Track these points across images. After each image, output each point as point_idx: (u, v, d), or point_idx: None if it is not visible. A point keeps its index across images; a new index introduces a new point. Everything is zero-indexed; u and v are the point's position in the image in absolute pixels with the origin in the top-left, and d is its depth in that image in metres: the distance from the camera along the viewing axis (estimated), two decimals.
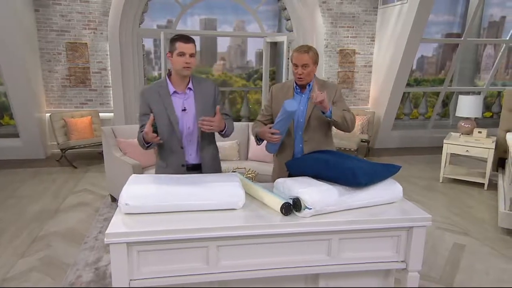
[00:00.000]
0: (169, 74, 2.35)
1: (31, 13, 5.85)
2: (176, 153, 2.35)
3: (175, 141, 2.33)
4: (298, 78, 2.36)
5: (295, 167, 2.24)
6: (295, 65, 2.33)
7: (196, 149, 2.40)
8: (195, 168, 2.41)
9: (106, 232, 1.71)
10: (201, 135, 2.36)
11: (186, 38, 2.22)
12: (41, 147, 6.09)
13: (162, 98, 2.29)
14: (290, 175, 2.29)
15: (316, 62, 2.36)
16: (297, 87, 2.45)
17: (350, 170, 1.94)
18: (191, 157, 2.41)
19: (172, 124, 2.29)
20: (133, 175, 2.13)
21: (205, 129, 2.20)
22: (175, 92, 2.31)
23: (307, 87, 2.44)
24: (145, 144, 2.26)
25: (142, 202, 1.85)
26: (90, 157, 6.27)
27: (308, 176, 2.12)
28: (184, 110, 2.32)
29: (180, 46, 2.18)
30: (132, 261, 1.76)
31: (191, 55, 2.22)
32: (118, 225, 1.78)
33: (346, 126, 2.35)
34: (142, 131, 2.25)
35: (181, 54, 2.18)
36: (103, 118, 6.39)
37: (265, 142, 2.45)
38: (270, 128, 2.31)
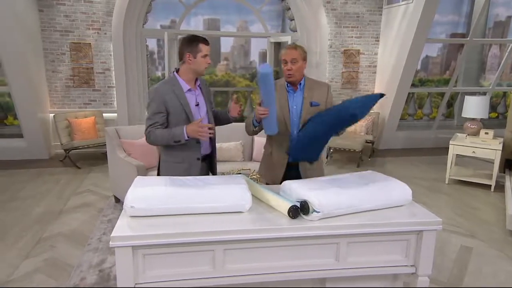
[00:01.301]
0: (177, 72, 2.45)
1: (35, 13, 5.85)
2: (192, 148, 2.44)
3: None
4: (288, 74, 2.40)
5: (296, 151, 2.38)
6: (285, 62, 2.39)
7: (208, 141, 2.54)
8: (206, 159, 2.59)
9: (112, 235, 1.68)
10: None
11: (206, 40, 2.37)
12: (45, 148, 6.09)
13: (177, 96, 2.37)
14: (286, 172, 2.49)
15: (304, 59, 2.42)
16: (288, 85, 2.48)
17: (344, 111, 2.09)
18: (204, 149, 2.54)
19: (189, 120, 2.39)
20: (138, 177, 2.10)
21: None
22: (189, 89, 2.43)
23: (298, 86, 2.48)
24: (183, 139, 2.30)
25: (147, 204, 1.82)
26: (94, 157, 6.26)
27: (311, 141, 2.25)
28: (197, 105, 2.46)
29: (205, 48, 2.34)
30: (138, 265, 1.73)
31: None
32: (123, 228, 1.75)
33: (341, 133, 2.54)
34: (157, 128, 2.34)
35: (206, 55, 2.35)
36: (106, 118, 6.38)
37: (262, 128, 2.45)
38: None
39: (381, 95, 2.10)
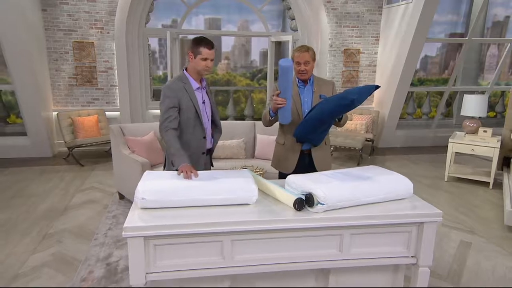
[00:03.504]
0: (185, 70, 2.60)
1: (38, 12, 5.90)
2: (200, 142, 2.63)
3: (199, 132, 2.60)
4: (301, 73, 2.65)
5: (302, 132, 2.58)
6: (298, 63, 2.63)
7: (209, 136, 2.72)
8: (207, 153, 2.75)
9: (124, 226, 1.74)
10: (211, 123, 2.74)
11: (210, 44, 2.46)
12: (48, 146, 6.13)
13: (188, 93, 2.51)
14: (300, 160, 2.70)
15: (314, 59, 2.68)
16: (299, 81, 2.73)
17: (344, 98, 2.27)
18: (208, 144, 2.72)
19: (199, 116, 2.57)
20: (147, 171, 2.17)
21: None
22: (197, 87, 2.58)
23: (308, 81, 2.74)
24: (174, 168, 2.35)
25: (158, 196, 1.88)
26: (97, 155, 6.31)
27: (316, 123, 2.45)
28: (203, 102, 2.62)
29: (204, 52, 2.44)
30: (149, 255, 1.79)
31: (212, 60, 2.49)
32: (134, 219, 1.82)
33: (343, 123, 2.75)
34: (170, 121, 2.44)
35: (205, 59, 2.46)
36: (109, 117, 6.43)
37: (277, 119, 2.64)
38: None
39: (376, 87, 2.29)
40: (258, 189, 2.07)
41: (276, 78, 7.62)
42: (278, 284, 2.07)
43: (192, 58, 2.49)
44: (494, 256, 3.31)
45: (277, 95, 2.46)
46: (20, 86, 5.58)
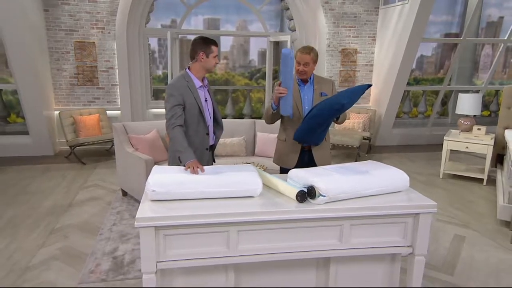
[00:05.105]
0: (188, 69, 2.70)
1: (40, 12, 5.97)
2: (203, 139, 2.75)
3: (203, 128, 2.72)
4: (300, 73, 2.75)
5: (301, 135, 2.69)
6: (298, 63, 2.72)
7: (211, 133, 2.84)
8: (210, 149, 2.86)
9: (136, 216, 1.84)
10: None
11: (216, 42, 2.66)
12: (50, 144, 6.21)
13: (192, 91, 2.61)
14: (300, 156, 2.78)
15: (315, 61, 2.77)
16: (299, 80, 2.82)
17: (335, 102, 2.39)
18: (210, 141, 2.83)
19: (202, 114, 2.68)
20: (156, 166, 2.26)
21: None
22: (200, 86, 2.67)
23: (308, 79, 2.83)
24: (182, 164, 2.37)
25: (167, 189, 1.98)
26: (98, 154, 6.39)
27: (314, 125, 2.56)
28: (206, 100, 2.73)
29: (215, 49, 2.65)
30: (159, 244, 1.89)
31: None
32: (146, 210, 1.91)
33: (341, 121, 2.84)
34: (176, 118, 2.52)
35: (215, 56, 2.66)
36: (110, 115, 6.51)
37: (279, 113, 2.72)
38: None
39: (369, 86, 2.38)
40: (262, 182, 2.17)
41: (274, 78, 7.73)
42: (280, 272, 2.17)
43: (203, 58, 2.61)
44: (487, 249, 3.43)
45: (279, 85, 2.56)
46: (22, 85, 5.65)
